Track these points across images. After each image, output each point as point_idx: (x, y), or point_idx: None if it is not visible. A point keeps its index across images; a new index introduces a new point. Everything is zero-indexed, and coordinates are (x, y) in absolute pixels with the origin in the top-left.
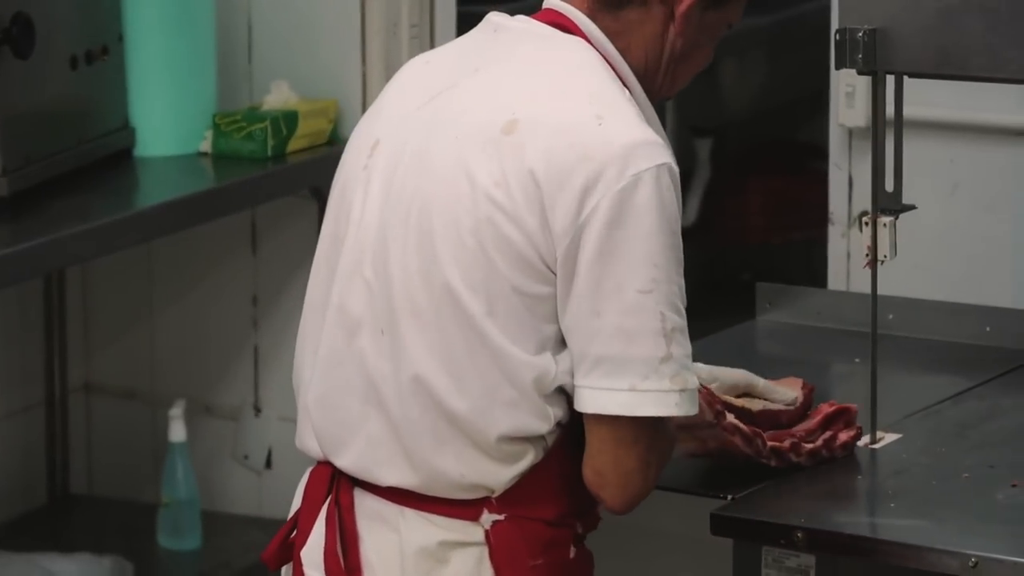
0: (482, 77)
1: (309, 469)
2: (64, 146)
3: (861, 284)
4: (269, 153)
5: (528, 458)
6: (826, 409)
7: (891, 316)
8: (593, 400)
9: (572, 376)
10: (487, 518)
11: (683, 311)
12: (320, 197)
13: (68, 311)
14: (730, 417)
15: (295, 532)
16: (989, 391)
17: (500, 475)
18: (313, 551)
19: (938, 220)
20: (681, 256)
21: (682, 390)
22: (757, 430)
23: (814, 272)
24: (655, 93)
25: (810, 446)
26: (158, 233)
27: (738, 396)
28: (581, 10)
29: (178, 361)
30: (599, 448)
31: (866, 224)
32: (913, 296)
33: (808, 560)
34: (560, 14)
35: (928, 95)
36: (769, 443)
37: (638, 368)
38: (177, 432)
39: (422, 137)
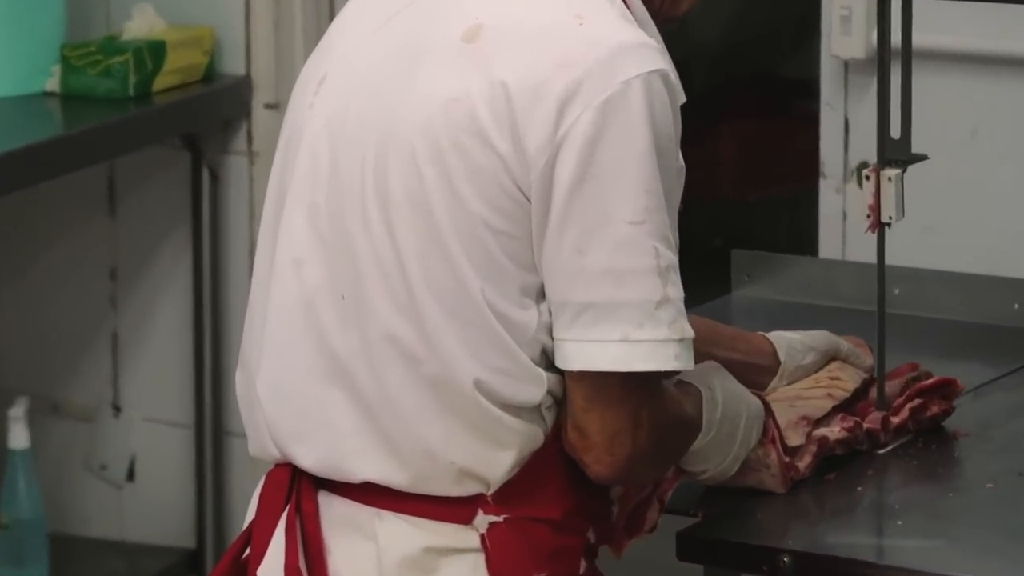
0: None
1: (265, 474)
2: None
3: (859, 251)
4: (131, 92)
5: (527, 439)
6: (909, 373)
7: (897, 291)
8: (580, 354)
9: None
10: (482, 520)
11: (675, 245)
12: (194, 147)
13: None
14: (825, 432)
15: (248, 549)
16: (1018, 382)
17: (497, 462)
18: (272, 569)
19: (955, 173)
20: (679, 180)
21: (681, 339)
22: (857, 420)
23: (802, 237)
24: (656, 14)
25: (896, 420)
26: None
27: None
28: None
29: (19, 350)
30: (583, 407)
31: (867, 178)
32: (924, 266)
33: None
34: None
35: (943, 20)
36: (866, 425)
37: (631, 314)
38: (18, 437)
39: (376, 63)
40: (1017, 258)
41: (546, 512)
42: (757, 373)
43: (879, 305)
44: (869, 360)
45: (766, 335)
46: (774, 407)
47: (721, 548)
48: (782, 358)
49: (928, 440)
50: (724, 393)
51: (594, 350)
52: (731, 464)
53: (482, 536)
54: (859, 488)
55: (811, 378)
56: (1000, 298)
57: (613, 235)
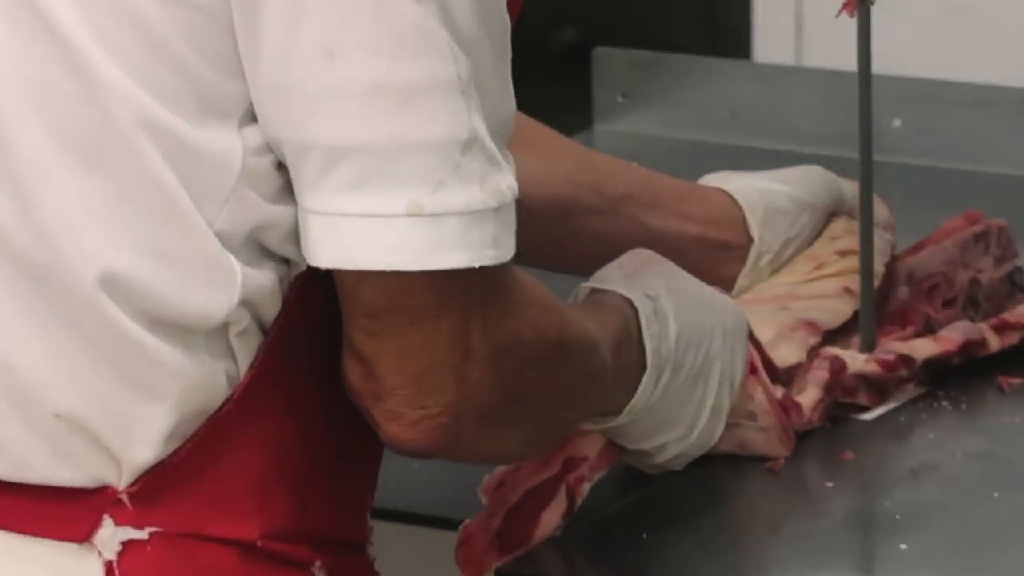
0: None
1: None
2: None
3: (825, 52)
4: None
5: (195, 387)
6: (970, 229)
7: (898, 122)
8: (334, 239)
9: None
10: (110, 535)
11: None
12: None
13: None
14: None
15: None
16: None
17: (137, 426)
18: None
19: None
20: None
21: (499, 208)
22: (900, 351)
23: (720, 27)
24: None
25: (995, 341)
26: None
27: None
28: None
29: None
30: (367, 328)
31: None
32: (943, 77)
33: None
34: None
35: None
36: (891, 344)
37: (424, 165)
38: None
39: None
40: None
41: (230, 527)
42: (720, 258)
43: (863, 147)
44: (883, 211)
45: (722, 188)
46: (749, 313)
47: None
48: (755, 232)
49: (952, 393)
50: (677, 303)
51: (361, 233)
52: (711, 425)
53: (108, 565)
54: (828, 484)
55: (805, 256)
56: None
57: (386, 22)
